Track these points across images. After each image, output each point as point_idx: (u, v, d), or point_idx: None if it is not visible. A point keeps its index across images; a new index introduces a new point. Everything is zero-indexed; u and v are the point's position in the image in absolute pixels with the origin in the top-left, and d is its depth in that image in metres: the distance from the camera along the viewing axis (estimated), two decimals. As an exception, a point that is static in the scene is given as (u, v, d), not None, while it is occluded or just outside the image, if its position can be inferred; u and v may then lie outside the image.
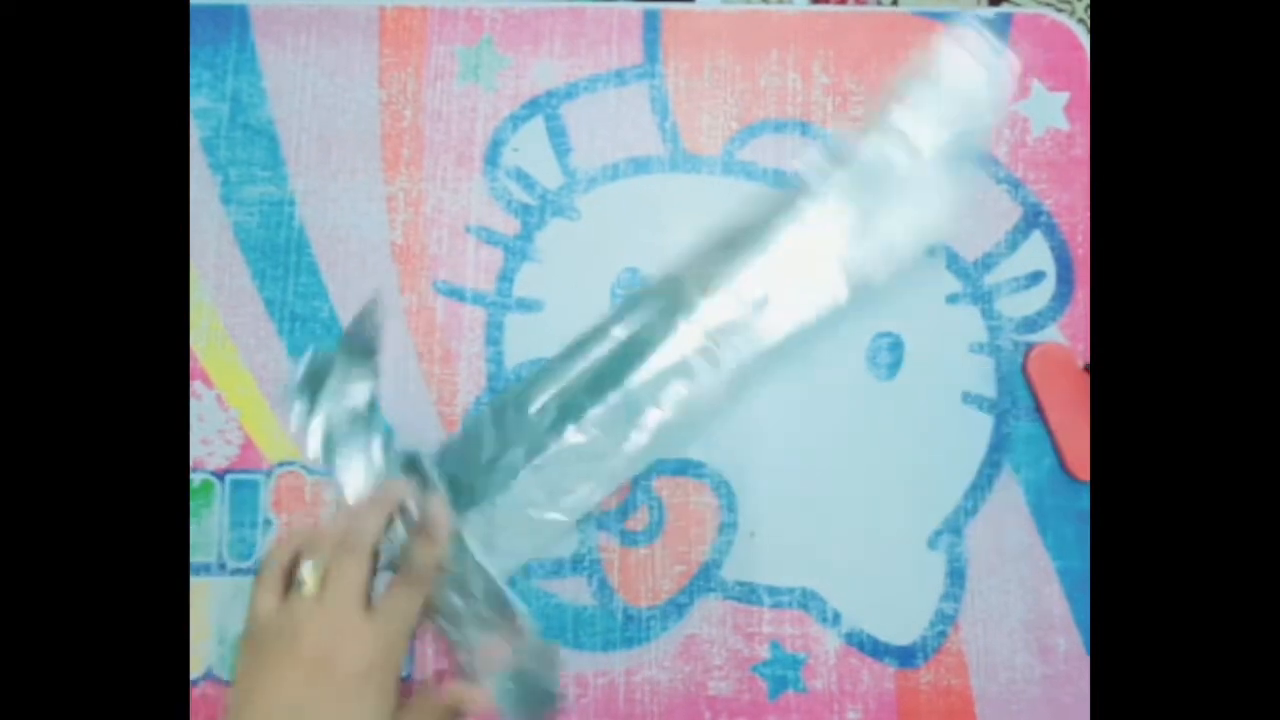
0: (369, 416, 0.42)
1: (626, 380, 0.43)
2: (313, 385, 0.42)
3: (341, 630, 0.35)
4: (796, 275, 0.44)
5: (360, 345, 0.43)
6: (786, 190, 0.45)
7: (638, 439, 0.43)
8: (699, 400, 0.44)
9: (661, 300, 0.44)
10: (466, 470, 0.43)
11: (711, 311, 0.44)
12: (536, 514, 0.42)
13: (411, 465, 0.42)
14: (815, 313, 0.44)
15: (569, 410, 0.43)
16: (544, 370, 0.44)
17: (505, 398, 0.44)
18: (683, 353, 0.44)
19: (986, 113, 0.45)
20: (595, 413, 0.43)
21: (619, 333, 0.44)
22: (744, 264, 0.44)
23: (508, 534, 0.42)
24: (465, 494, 0.42)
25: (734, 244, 0.45)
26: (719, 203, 0.46)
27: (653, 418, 0.43)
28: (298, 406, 0.42)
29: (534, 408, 0.43)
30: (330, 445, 0.42)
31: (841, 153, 0.45)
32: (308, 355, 0.43)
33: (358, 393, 0.42)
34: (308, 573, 0.36)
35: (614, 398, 0.43)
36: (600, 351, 0.44)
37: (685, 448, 0.44)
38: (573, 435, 0.43)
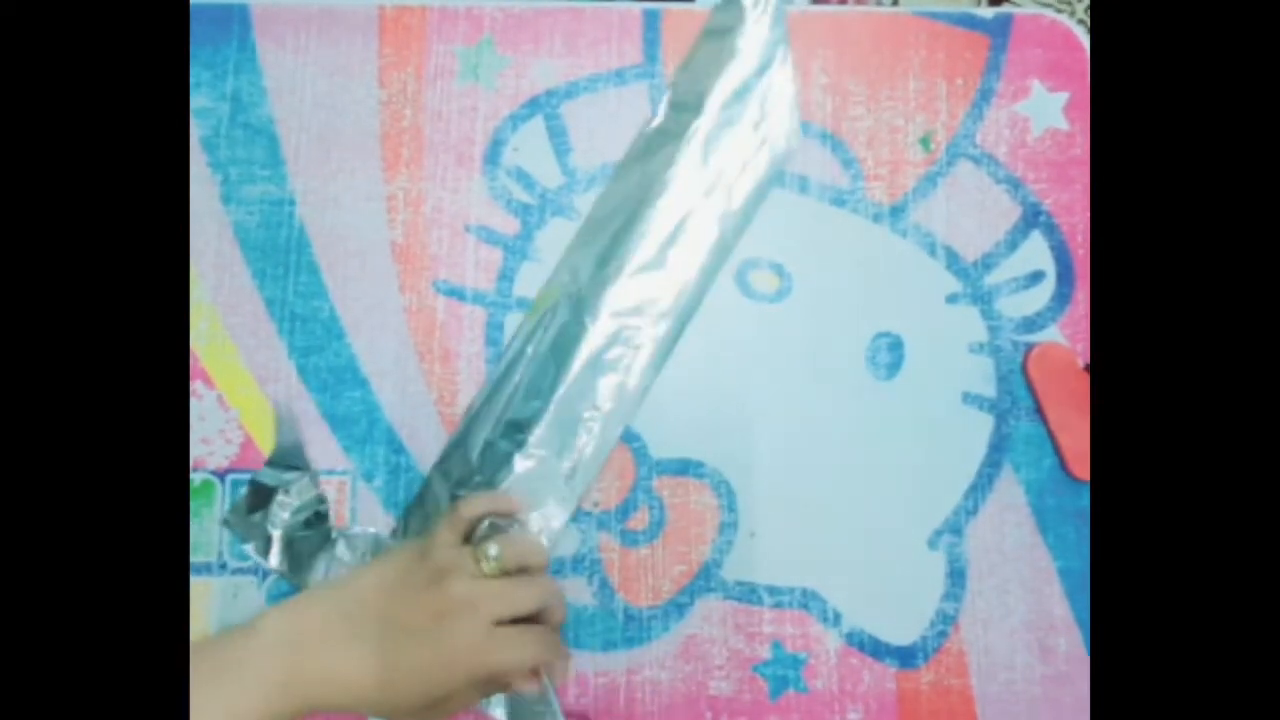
0: (322, 516, 0.43)
1: (554, 392, 0.44)
2: (258, 508, 0.43)
3: (468, 624, 0.35)
4: (677, 232, 0.46)
5: (287, 455, 0.44)
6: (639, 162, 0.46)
7: (584, 444, 0.43)
8: (629, 384, 0.44)
9: (563, 304, 0.45)
10: (430, 533, 0.41)
11: (613, 298, 0.45)
12: None
13: (378, 547, 0.43)
14: (704, 257, 0.45)
15: (510, 440, 0.43)
16: (473, 414, 0.44)
17: (447, 449, 0.44)
18: (597, 346, 0.44)
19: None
20: (535, 435, 0.43)
21: (532, 350, 0.44)
22: (626, 240, 0.45)
23: None
24: None
25: (606, 226, 0.45)
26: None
27: (593, 419, 0.44)
28: (247, 538, 0.43)
29: (476, 451, 0.43)
30: (294, 555, 0.43)
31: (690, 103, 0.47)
32: (242, 492, 0.44)
33: (305, 497, 0.43)
34: (494, 555, 0.37)
35: (548, 414, 0.44)
36: (521, 374, 0.44)
37: (630, 423, 0.45)
38: (521, 464, 0.43)
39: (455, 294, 0.46)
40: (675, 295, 0.45)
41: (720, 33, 0.47)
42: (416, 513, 0.43)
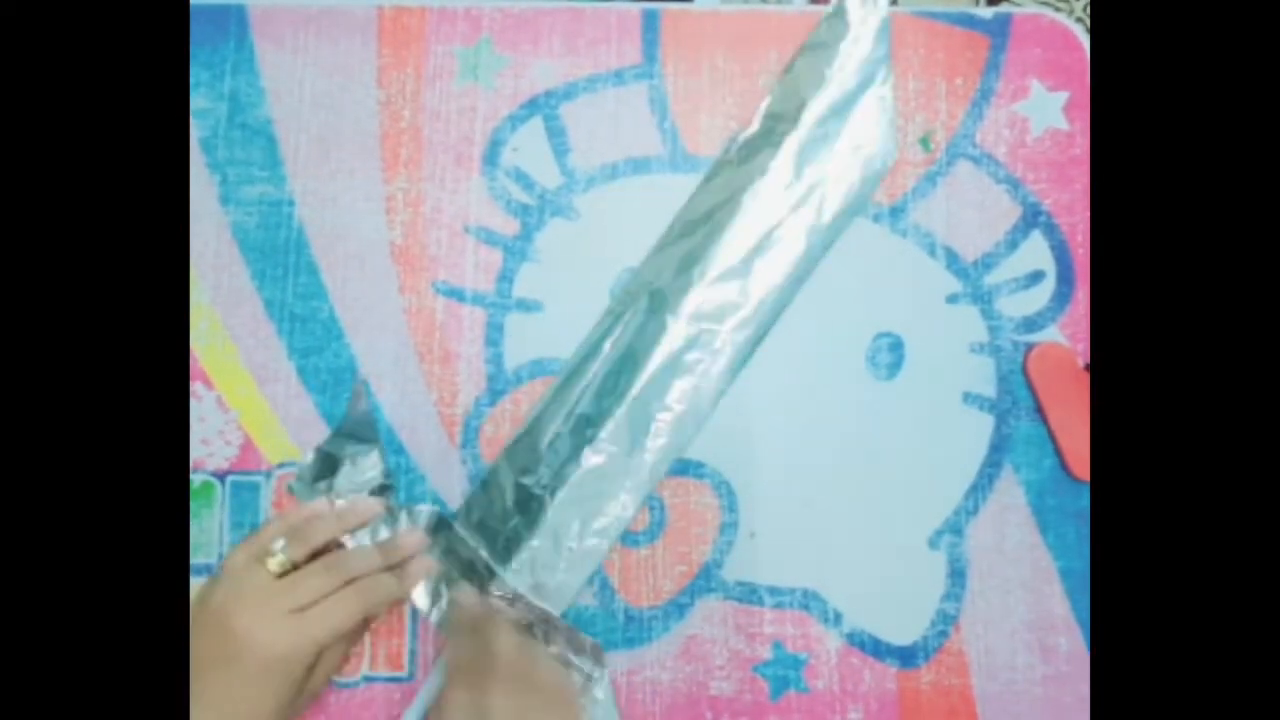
0: (386, 489, 0.43)
1: (629, 391, 0.44)
2: (323, 472, 0.43)
3: (262, 615, 0.36)
4: (764, 242, 0.46)
5: (356, 427, 0.44)
6: (731, 167, 0.47)
7: (654, 444, 0.44)
8: (704, 388, 0.44)
9: (644, 302, 0.45)
10: (494, 518, 0.43)
11: (695, 301, 0.45)
12: (575, 544, 0.43)
13: (439, 524, 0.43)
14: (790, 268, 0.45)
15: (580, 435, 0.44)
16: (546, 402, 0.44)
17: (516, 438, 0.44)
18: (676, 348, 0.44)
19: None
20: (606, 431, 0.44)
21: (610, 347, 0.44)
22: (713, 245, 0.45)
23: (552, 572, 0.43)
24: (500, 542, 0.43)
25: (695, 230, 0.46)
26: (719, 203, 0.46)
27: (664, 420, 0.44)
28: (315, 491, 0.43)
29: (545, 441, 0.44)
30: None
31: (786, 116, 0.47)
32: (313, 449, 0.44)
33: (369, 470, 0.43)
34: (279, 548, 0.38)
35: (620, 411, 0.44)
36: (596, 369, 0.44)
37: (698, 433, 0.45)
38: (590, 458, 0.43)
39: (455, 295, 0.46)
40: (757, 304, 0.45)
41: (823, 46, 0.47)
42: (479, 499, 0.43)
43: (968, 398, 0.45)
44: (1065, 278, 0.46)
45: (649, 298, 0.45)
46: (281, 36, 0.47)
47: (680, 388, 0.44)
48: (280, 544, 0.38)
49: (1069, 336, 0.46)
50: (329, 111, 0.47)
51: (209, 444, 0.44)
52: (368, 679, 0.42)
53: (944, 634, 0.43)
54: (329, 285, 0.45)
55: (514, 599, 0.42)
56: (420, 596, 0.41)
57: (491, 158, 0.47)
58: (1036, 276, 0.46)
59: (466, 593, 0.42)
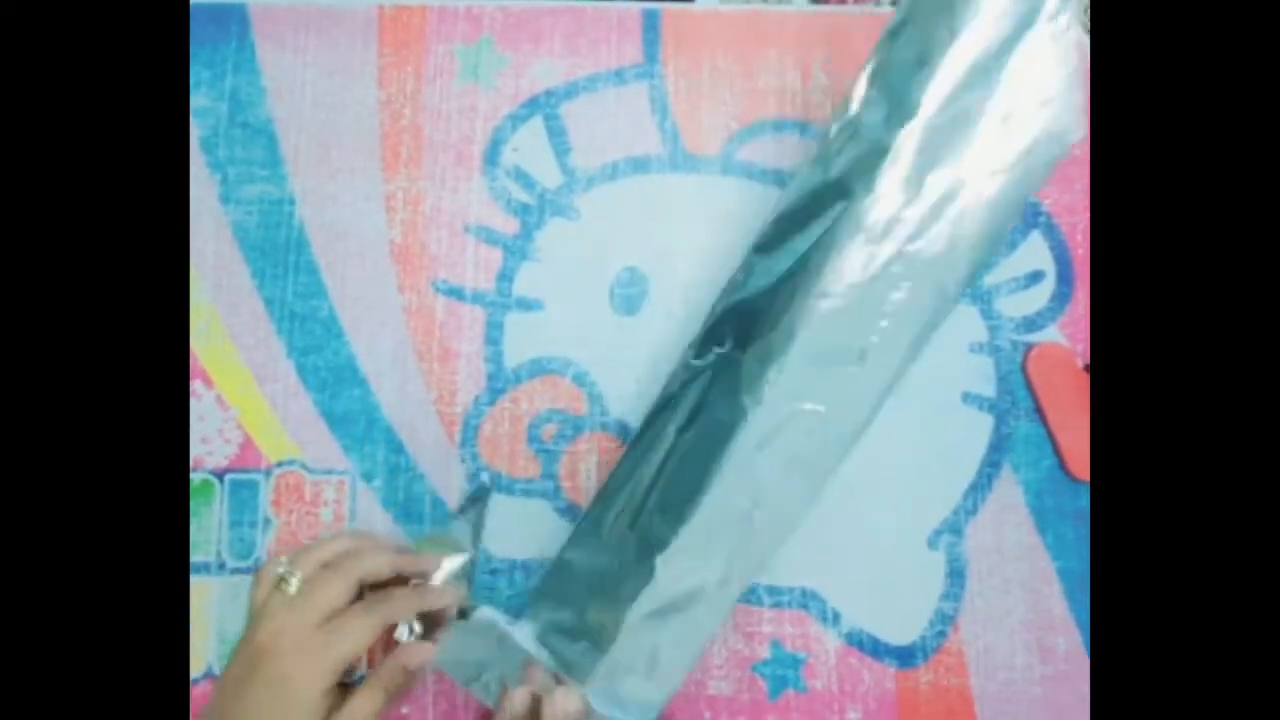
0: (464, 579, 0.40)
1: (703, 494, 0.36)
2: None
3: (293, 643, 0.34)
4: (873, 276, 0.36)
5: (469, 523, 0.42)
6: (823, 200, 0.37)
7: (741, 546, 0.36)
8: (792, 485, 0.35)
9: (710, 377, 0.37)
10: (567, 632, 0.38)
11: (787, 382, 0.35)
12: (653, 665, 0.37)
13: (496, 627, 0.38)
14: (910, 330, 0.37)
15: (657, 541, 0.37)
16: (609, 494, 0.38)
17: (582, 539, 0.38)
18: (765, 431, 0.35)
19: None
20: (684, 539, 0.36)
21: (675, 431, 0.36)
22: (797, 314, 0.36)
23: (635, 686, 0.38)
24: (570, 659, 0.38)
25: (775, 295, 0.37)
26: (718, 202, 0.46)
27: (754, 516, 0.35)
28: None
29: (614, 547, 0.37)
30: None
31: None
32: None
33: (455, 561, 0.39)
34: (293, 576, 0.35)
35: (697, 516, 0.36)
36: (662, 454, 0.37)
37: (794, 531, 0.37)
38: (665, 568, 0.36)
39: (454, 294, 0.46)
40: (873, 377, 0.36)
41: None
42: (547, 605, 0.39)
43: (967, 398, 0.45)
44: (1065, 278, 0.46)
45: (719, 369, 0.36)
46: (282, 36, 0.47)
47: (767, 472, 0.36)
48: (284, 569, 0.36)
49: (1069, 336, 0.46)
50: (329, 111, 0.47)
51: (208, 442, 0.44)
52: (367, 678, 0.42)
53: (943, 634, 0.43)
54: (329, 284, 0.45)
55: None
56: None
57: (492, 157, 0.47)
58: (1036, 276, 0.46)
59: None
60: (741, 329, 0.37)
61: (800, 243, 0.36)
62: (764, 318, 0.36)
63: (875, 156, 0.35)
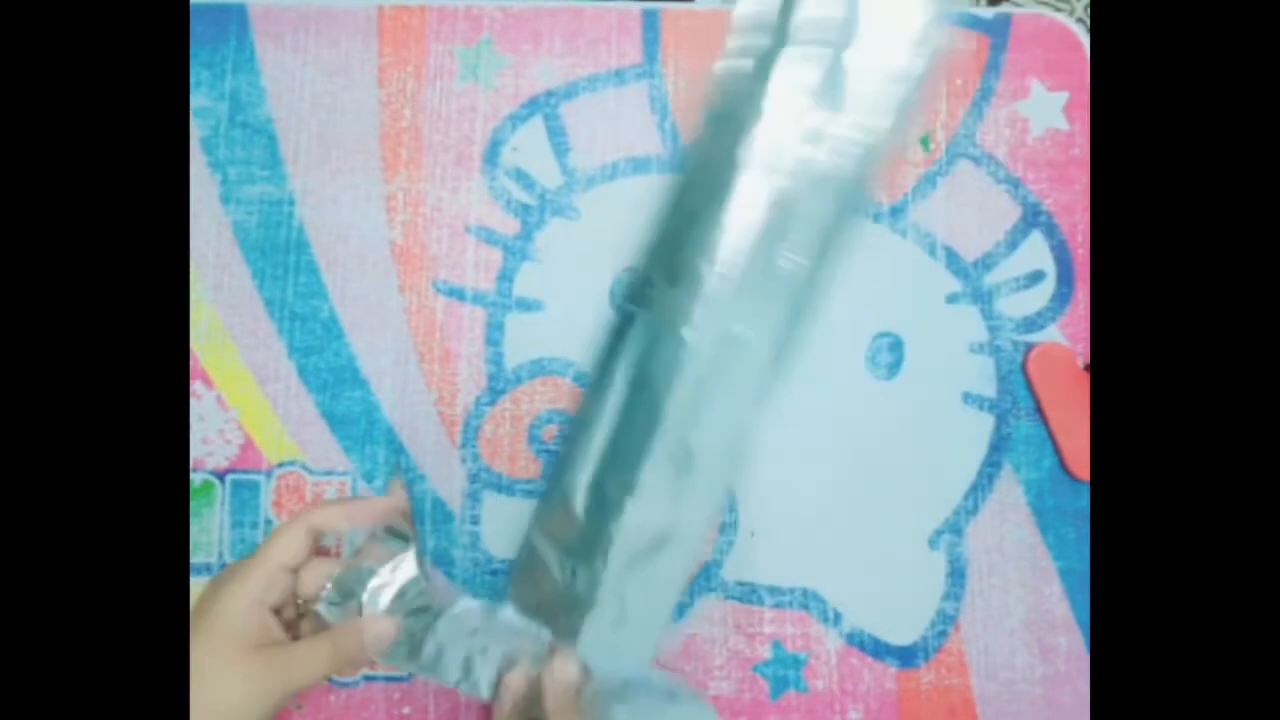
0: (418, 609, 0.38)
1: (659, 424, 0.36)
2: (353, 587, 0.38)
3: (228, 571, 0.35)
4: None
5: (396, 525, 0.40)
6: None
7: (707, 467, 0.37)
8: (744, 397, 0.37)
9: (654, 307, 0.38)
10: (549, 597, 0.38)
11: (720, 274, 0.36)
12: (641, 604, 0.37)
13: (487, 613, 0.38)
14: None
15: (617, 487, 0.37)
16: (565, 459, 0.39)
17: (540, 510, 0.39)
18: (704, 359, 0.36)
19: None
20: (645, 476, 0.37)
21: (622, 378, 0.37)
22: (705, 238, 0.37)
23: (628, 637, 0.37)
24: (561, 622, 0.38)
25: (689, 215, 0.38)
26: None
27: (704, 444, 0.37)
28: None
29: (579, 507, 0.37)
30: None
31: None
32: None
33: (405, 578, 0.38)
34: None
35: (656, 448, 0.36)
36: (612, 412, 0.37)
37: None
38: (632, 512, 0.36)
39: (455, 294, 0.46)
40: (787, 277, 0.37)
41: None
42: (524, 582, 0.39)
43: (968, 397, 0.45)
44: (1065, 278, 0.46)
45: (655, 310, 0.38)
46: (282, 36, 0.47)
47: (717, 403, 0.37)
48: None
49: (1069, 336, 0.46)
50: (329, 111, 0.47)
51: (209, 443, 0.44)
52: (367, 679, 0.42)
53: (943, 634, 0.43)
54: (329, 284, 0.45)
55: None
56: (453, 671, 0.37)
57: (492, 157, 0.47)
58: (1036, 276, 0.46)
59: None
60: (666, 267, 0.38)
61: (699, 179, 0.38)
62: (683, 252, 0.37)
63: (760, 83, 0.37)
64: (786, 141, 0.37)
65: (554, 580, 0.38)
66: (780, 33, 0.37)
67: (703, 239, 0.37)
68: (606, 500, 0.37)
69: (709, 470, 0.37)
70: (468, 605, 0.38)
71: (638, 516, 0.37)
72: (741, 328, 0.37)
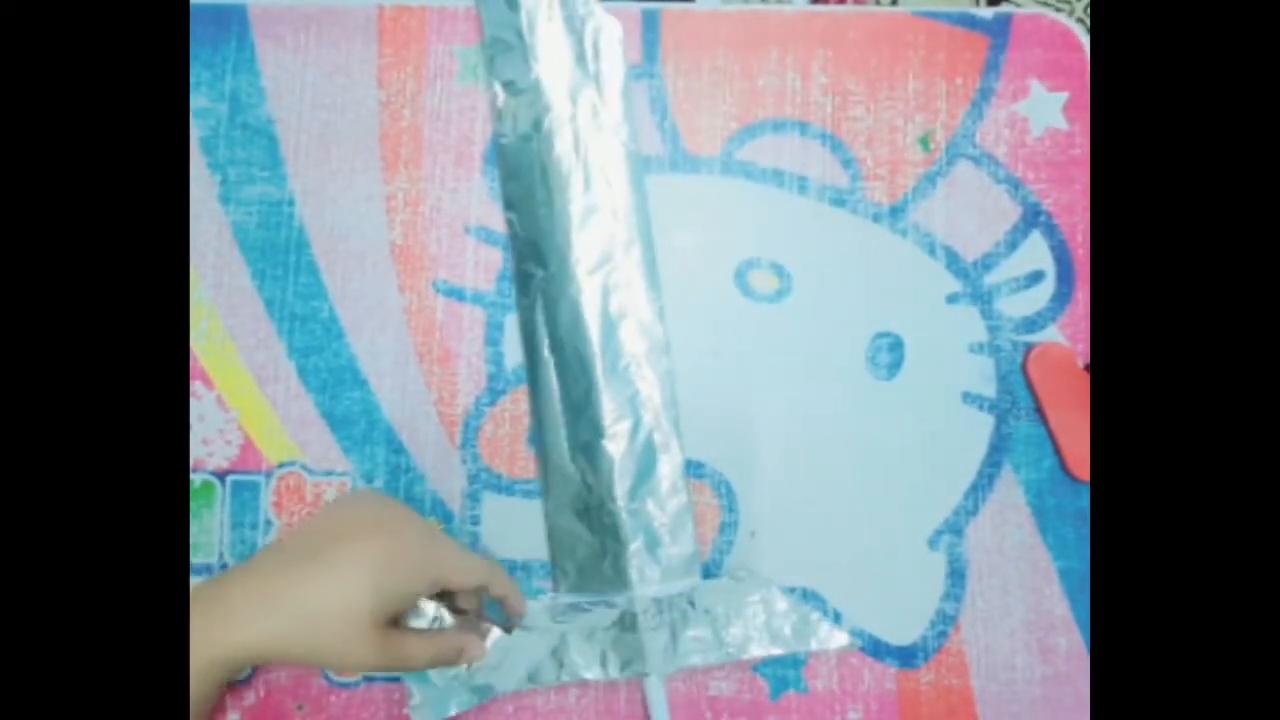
0: None
1: (594, 372, 0.44)
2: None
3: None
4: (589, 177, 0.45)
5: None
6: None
7: (648, 392, 0.44)
8: (644, 317, 0.44)
9: (538, 305, 0.45)
10: (590, 564, 0.43)
11: (579, 263, 0.45)
12: (663, 515, 0.43)
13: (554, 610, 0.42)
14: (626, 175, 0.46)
15: (591, 433, 0.43)
16: (542, 440, 0.44)
17: (545, 487, 0.44)
18: (598, 308, 0.44)
19: None
20: (606, 416, 0.44)
21: (546, 350, 0.44)
22: (557, 213, 0.45)
23: (668, 556, 0.43)
24: (607, 582, 0.43)
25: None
26: (718, 202, 0.46)
27: (635, 365, 0.44)
28: None
29: (570, 469, 0.43)
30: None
31: None
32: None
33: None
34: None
35: (601, 391, 0.43)
36: (552, 380, 0.44)
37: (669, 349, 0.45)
38: (612, 447, 0.43)
39: (455, 294, 0.46)
40: (625, 222, 0.45)
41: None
42: (566, 563, 0.43)
43: (967, 397, 0.45)
44: (1065, 278, 0.46)
45: (540, 296, 0.44)
46: (282, 36, 0.47)
47: (627, 332, 0.44)
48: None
49: (1069, 336, 0.46)
50: (329, 111, 0.47)
51: (209, 443, 0.44)
52: (368, 679, 0.42)
53: (943, 634, 0.43)
54: (329, 285, 0.45)
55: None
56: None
57: (492, 157, 0.47)
58: (1036, 277, 0.46)
59: None
60: (537, 254, 0.45)
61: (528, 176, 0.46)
62: (548, 237, 0.45)
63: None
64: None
65: (585, 541, 0.43)
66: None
67: (550, 221, 0.45)
68: (588, 448, 0.43)
69: (648, 368, 0.44)
70: (531, 607, 0.42)
71: (617, 446, 0.43)
72: (606, 268, 0.45)
